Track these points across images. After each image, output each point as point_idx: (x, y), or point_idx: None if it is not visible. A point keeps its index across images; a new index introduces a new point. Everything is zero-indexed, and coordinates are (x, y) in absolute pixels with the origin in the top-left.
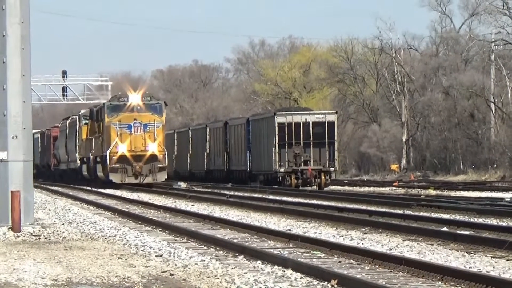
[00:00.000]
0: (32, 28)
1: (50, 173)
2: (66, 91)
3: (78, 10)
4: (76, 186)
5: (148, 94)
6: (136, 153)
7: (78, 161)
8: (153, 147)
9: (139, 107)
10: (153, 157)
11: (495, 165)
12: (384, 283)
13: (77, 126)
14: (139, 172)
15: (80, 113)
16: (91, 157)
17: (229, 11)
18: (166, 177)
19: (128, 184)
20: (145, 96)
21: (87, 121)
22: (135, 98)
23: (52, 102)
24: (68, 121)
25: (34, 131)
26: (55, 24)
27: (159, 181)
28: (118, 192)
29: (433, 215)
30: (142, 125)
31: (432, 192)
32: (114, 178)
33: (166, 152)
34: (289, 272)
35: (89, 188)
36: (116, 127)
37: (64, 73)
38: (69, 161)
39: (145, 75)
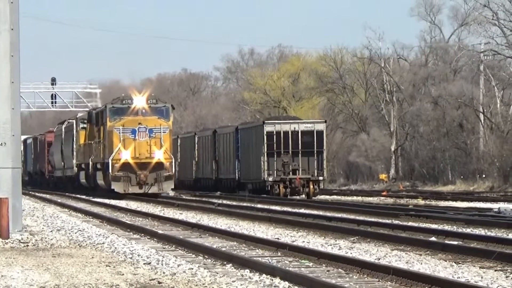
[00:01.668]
0: (21, 34)
1: (44, 180)
2: (55, 98)
3: (68, 17)
4: (73, 195)
5: (154, 96)
6: (140, 161)
7: (75, 168)
8: (159, 154)
9: (144, 111)
10: (159, 165)
11: (483, 175)
12: None
13: (74, 131)
14: (144, 181)
15: (77, 117)
16: (90, 163)
17: (218, 20)
18: (173, 187)
19: (131, 194)
20: (151, 98)
21: (85, 125)
22: (140, 101)
23: (41, 109)
24: (64, 125)
25: (26, 136)
26: (45, 31)
27: (165, 191)
28: (106, 200)
29: (422, 225)
30: (147, 130)
31: (420, 202)
32: (117, 187)
33: (173, 160)
34: (277, 280)
35: (87, 197)
36: (119, 132)
37: (53, 80)
38: (65, 168)
39: (134, 82)
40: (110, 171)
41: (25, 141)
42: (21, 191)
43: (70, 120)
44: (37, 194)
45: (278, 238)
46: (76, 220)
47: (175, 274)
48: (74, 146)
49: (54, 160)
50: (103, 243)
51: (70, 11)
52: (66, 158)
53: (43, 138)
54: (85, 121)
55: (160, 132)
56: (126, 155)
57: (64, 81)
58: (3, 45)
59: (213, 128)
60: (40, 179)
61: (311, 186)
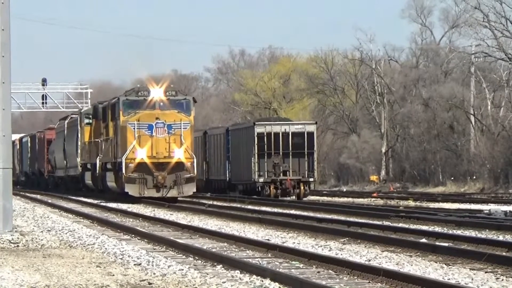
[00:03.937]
0: (12, 35)
1: (42, 181)
2: (45, 99)
3: (59, 18)
4: (77, 198)
5: (173, 88)
6: (158, 160)
7: (79, 168)
8: (179, 153)
9: (162, 104)
10: (179, 166)
11: (474, 177)
12: None
13: (79, 126)
14: (162, 183)
15: (82, 111)
16: (98, 163)
17: (209, 21)
18: (195, 190)
19: (148, 198)
20: (170, 90)
21: (90, 120)
22: (157, 93)
23: (31, 110)
24: (66, 121)
25: (23, 134)
26: (35, 31)
27: (186, 195)
28: (96, 201)
29: (412, 226)
30: (166, 126)
31: (411, 203)
32: (131, 190)
33: (195, 159)
34: (267, 282)
35: (95, 201)
36: (134, 128)
37: (44, 81)
38: (67, 167)
39: (125, 83)
40: (124, 172)
41: (21, 139)
42: (12, 191)
43: (74, 115)
44: (27, 194)
45: (268, 239)
46: (67, 221)
47: (165, 275)
48: (79, 143)
49: (55, 158)
50: (93, 243)
51: (61, 13)
52: (69, 157)
53: (42, 136)
54: (90, 116)
55: (180, 128)
56: (141, 154)
57: (55, 82)
58: None
59: (204, 129)
60: (39, 179)
61: (302, 187)
